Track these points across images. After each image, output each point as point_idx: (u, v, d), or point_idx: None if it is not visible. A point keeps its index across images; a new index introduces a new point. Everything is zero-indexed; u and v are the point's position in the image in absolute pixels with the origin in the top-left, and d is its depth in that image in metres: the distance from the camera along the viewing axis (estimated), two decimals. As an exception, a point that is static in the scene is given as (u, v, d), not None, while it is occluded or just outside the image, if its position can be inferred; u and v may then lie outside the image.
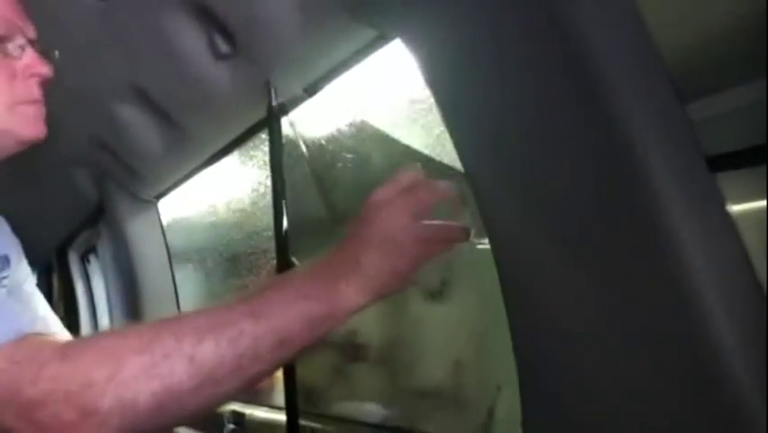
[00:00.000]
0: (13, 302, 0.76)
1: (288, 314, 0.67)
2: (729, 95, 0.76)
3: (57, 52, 0.87)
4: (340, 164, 1.44)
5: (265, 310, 0.67)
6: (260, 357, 0.66)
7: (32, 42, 0.84)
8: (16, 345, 0.67)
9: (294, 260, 1.07)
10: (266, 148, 1.64)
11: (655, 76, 0.68)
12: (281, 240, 1.12)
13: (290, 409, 1.34)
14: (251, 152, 1.73)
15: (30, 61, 0.83)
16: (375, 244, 0.69)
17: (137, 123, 1.64)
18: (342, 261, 0.70)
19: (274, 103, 1.25)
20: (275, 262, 1.20)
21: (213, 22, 1.22)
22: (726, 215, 0.66)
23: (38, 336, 0.70)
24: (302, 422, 1.37)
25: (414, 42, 0.89)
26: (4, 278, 0.96)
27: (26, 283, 1.04)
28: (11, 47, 0.82)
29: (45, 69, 0.84)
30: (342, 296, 0.68)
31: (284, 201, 1.17)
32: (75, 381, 0.63)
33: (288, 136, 1.56)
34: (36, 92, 0.84)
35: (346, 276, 0.69)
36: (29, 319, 0.73)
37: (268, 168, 1.65)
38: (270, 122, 1.22)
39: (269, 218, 1.54)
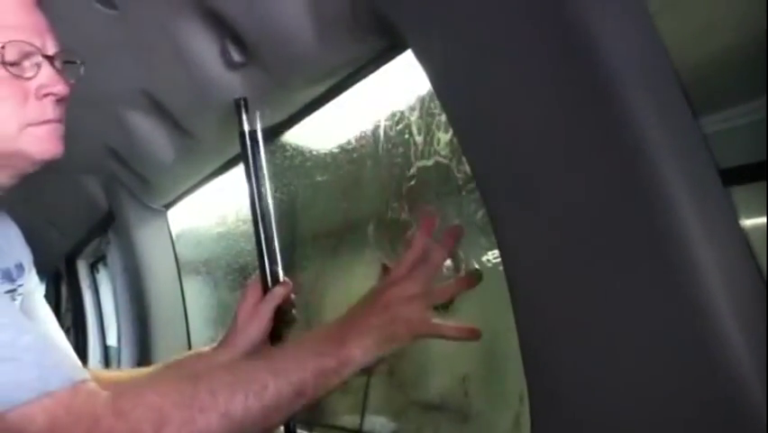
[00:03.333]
0: (53, 349, 0.77)
1: (304, 368, 0.78)
2: (743, 108, 0.76)
3: (82, 64, 0.87)
4: (343, 175, 1.44)
5: (285, 366, 0.79)
6: (280, 408, 0.76)
7: (50, 59, 0.83)
8: (72, 395, 0.71)
9: (280, 273, 1.07)
10: (277, 160, 1.64)
11: (669, 88, 0.67)
12: (269, 252, 1.12)
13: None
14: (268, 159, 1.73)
15: (45, 80, 0.82)
16: (380, 314, 0.81)
17: (148, 130, 1.65)
18: (352, 326, 0.81)
19: (246, 126, 1.25)
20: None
21: (225, 30, 1.22)
22: (739, 228, 0.65)
23: (88, 386, 0.73)
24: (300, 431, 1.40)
25: (424, 52, 0.89)
26: (20, 286, 0.96)
27: (35, 293, 1.04)
28: (26, 65, 0.82)
29: (60, 88, 0.83)
30: (349, 353, 0.79)
31: (271, 217, 1.15)
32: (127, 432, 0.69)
33: (295, 146, 1.57)
34: (50, 111, 0.83)
35: (352, 339, 0.80)
36: (73, 363, 0.76)
37: (278, 178, 1.66)
38: (243, 145, 1.22)
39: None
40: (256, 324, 1.01)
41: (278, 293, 1.03)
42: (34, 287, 1.04)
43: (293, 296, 1.05)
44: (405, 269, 0.84)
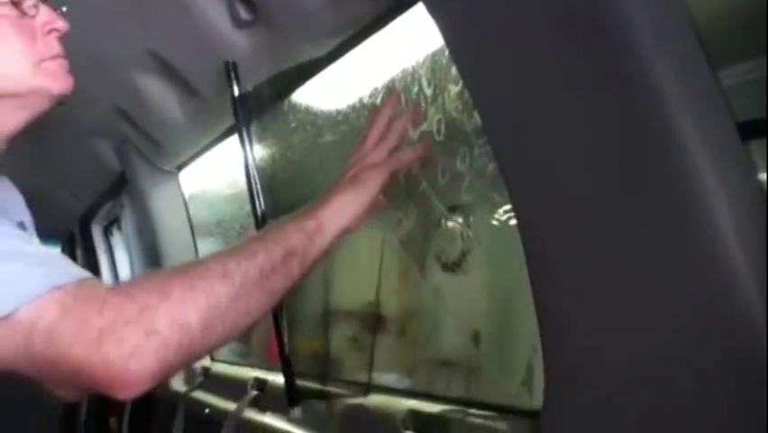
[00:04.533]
0: (59, 257, 0.81)
1: (288, 231, 0.85)
2: (760, 61, 0.74)
3: (64, 8, 0.89)
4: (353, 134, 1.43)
5: (269, 233, 0.87)
6: (275, 268, 0.81)
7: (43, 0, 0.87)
8: (79, 286, 0.73)
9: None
10: (289, 118, 1.63)
11: (686, 41, 0.66)
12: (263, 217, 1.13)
13: (286, 371, 1.50)
14: (272, 123, 1.72)
15: (46, 18, 0.86)
16: (350, 181, 0.92)
17: (158, 91, 1.64)
18: (327, 194, 0.91)
19: (236, 91, 1.24)
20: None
21: (233, -12, 1.21)
22: (756, 182, 0.64)
23: (94, 280, 0.78)
24: (303, 383, 1.50)
25: (437, 5, 0.87)
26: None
27: None
28: (25, 6, 0.84)
29: (62, 24, 0.87)
30: (327, 212, 0.88)
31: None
32: (134, 308, 0.71)
33: (305, 106, 1.56)
34: (57, 47, 0.87)
35: (328, 202, 0.89)
36: (77, 268, 0.78)
37: (289, 138, 1.65)
38: (236, 111, 1.22)
39: (291, 190, 1.53)
40: None
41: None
42: None
43: None
44: (370, 143, 0.94)
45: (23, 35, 0.84)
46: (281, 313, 1.56)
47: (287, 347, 1.55)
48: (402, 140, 0.93)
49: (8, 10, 0.83)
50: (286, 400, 1.50)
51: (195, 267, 0.79)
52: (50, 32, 0.86)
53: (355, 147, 0.96)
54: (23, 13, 0.84)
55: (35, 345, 0.70)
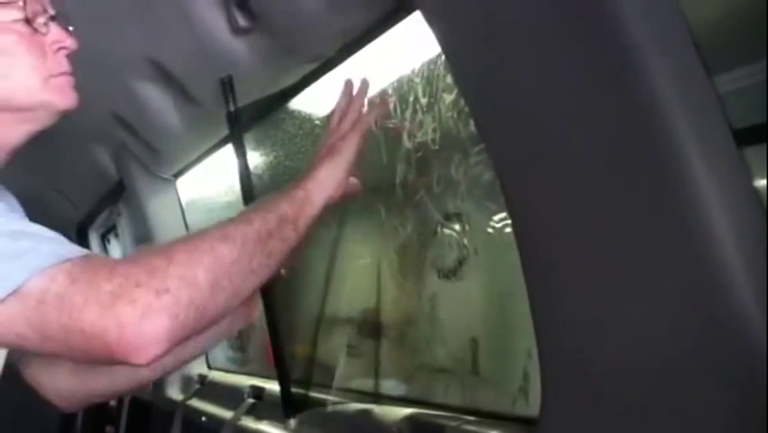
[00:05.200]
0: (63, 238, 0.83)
1: (279, 200, 0.91)
2: (757, 67, 0.75)
3: (71, 28, 0.93)
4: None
5: (263, 203, 0.92)
6: (271, 232, 0.86)
7: (53, 18, 0.90)
8: (85, 258, 0.76)
9: None
10: (286, 125, 1.64)
11: (683, 47, 0.66)
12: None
13: (283, 379, 1.53)
14: (269, 130, 1.73)
15: (57, 36, 0.89)
16: (327, 152, 1.00)
17: (155, 99, 1.64)
18: (308, 169, 0.98)
19: (231, 107, 1.28)
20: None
21: (231, -5, 1.21)
22: (752, 189, 0.64)
23: (96, 254, 0.81)
24: (300, 391, 1.52)
25: (432, 12, 0.87)
26: None
27: None
28: (39, 22, 0.88)
29: (71, 42, 0.90)
30: (312, 182, 0.95)
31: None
32: (142, 272, 0.74)
33: (303, 114, 1.56)
34: (65, 64, 0.90)
35: (311, 174, 0.96)
36: (82, 249, 0.81)
37: (287, 146, 1.66)
38: (231, 126, 1.25)
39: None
40: None
41: None
42: None
43: None
44: (336, 120, 1.04)
45: (34, 51, 0.87)
46: (277, 321, 1.56)
47: (284, 356, 1.55)
48: (361, 112, 1.04)
49: (21, 27, 0.87)
50: (282, 409, 1.50)
51: (195, 235, 0.84)
52: (59, 49, 0.90)
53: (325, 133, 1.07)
54: (35, 30, 0.87)
55: (47, 313, 0.72)
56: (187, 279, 0.75)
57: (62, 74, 0.90)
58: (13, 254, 0.73)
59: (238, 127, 1.27)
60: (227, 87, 1.27)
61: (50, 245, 0.76)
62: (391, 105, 1.11)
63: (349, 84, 1.06)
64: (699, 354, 0.63)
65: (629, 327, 0.69)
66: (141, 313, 0.71)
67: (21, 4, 0.86)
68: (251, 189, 1.19)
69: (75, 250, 0.77)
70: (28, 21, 0.87)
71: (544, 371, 0.80)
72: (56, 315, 0.72)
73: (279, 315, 1.60)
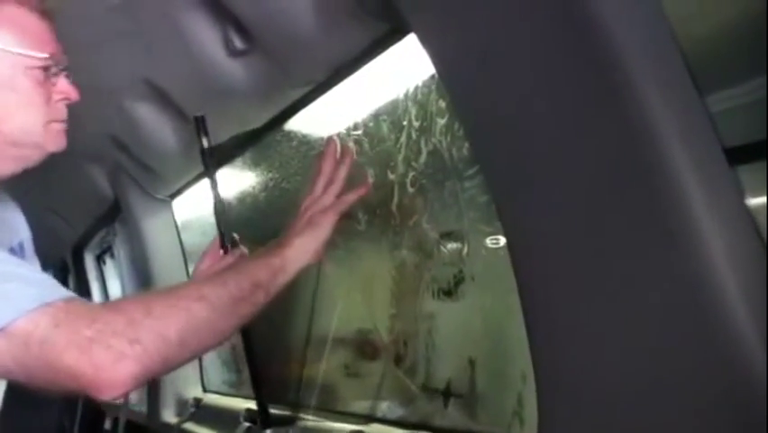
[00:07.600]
0: (50, 279, 0.89)
1: (255, 267, 0.99)
2: (748, 86, 0.75)
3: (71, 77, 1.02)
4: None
5: (239, 266, 1.05)
6: (244, 297, 0.93)
7: (63, 69, 0.99)
8: (68, 302, 0.83)
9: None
10: (280, 147, 1.64)
11: (674, 66, 0.67)
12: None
13: (259, 398, 1.58)
14: (264, 152, 1.73)
15: (63, 88, 0.99)
16: (306, 225, 1.06)
17: (152, 120, 1.65)
18: (286, 236, 1.05)
19: (205, 144, 1.37)
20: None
21: (228, 18, 1.22)
22: (745, 207, 0.65)
23: (82, 300, 0.87)
24: (276, 411, 1.57)
25: (427, 36, 0.88)
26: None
27: None
28: (50, 73, 0.98)
29: (75, 95, 1.00)
30: (289, 252, 1.02)
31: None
32: (121, 321, 0.81)
33: (301, 135, 1.57)
34: (64, 112, 1.00)
35: (289, 242, 1.03)
36: (67, 291, 0.87)
37: (283, 168, 1.66)
38: (205, 162, 1.38)
39: (282, 218, 1.53)
40: None
41: (234, 254, 1.24)
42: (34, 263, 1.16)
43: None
44: (319, 189, 1.09)
45: (43, 97, 0.97)
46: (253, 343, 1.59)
47: (260, 373, 1.61)
48: (344, 183, 1.08)
49: (39, 74, 0.96)
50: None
51: (175, 290, 0.92)
52: (62, 99, 0.99)
53: (306, 192, 1.11)
54: (47, 78, 0.97)
55: (31, 352, 0.79)
56: (160, 333, 0.82)
57: (60, 121, 0.99)
58: (1, 296, 0.79)
59: (212, 164, 1.38)
60: (200, 124, 1.35)
61: (37, 288, 0.82)
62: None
63: (332, 144, 1.09)
64: (696, 377, 0.63)
65: (625, 351, 0.69)
66: (115, 358, 0.79)
67: (47, 55, 0.96)
68: (225, 222, 1.31)
69: (61, 293, 0.83)
70: (45, 69, 0.96)
71: (540, 394, 0.79)
72: (38, 355, 0.79)
73: (257, 336, 1.61)
